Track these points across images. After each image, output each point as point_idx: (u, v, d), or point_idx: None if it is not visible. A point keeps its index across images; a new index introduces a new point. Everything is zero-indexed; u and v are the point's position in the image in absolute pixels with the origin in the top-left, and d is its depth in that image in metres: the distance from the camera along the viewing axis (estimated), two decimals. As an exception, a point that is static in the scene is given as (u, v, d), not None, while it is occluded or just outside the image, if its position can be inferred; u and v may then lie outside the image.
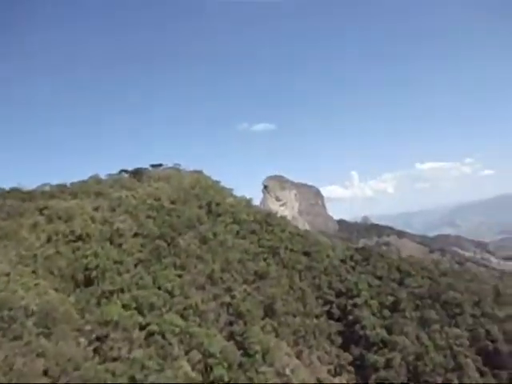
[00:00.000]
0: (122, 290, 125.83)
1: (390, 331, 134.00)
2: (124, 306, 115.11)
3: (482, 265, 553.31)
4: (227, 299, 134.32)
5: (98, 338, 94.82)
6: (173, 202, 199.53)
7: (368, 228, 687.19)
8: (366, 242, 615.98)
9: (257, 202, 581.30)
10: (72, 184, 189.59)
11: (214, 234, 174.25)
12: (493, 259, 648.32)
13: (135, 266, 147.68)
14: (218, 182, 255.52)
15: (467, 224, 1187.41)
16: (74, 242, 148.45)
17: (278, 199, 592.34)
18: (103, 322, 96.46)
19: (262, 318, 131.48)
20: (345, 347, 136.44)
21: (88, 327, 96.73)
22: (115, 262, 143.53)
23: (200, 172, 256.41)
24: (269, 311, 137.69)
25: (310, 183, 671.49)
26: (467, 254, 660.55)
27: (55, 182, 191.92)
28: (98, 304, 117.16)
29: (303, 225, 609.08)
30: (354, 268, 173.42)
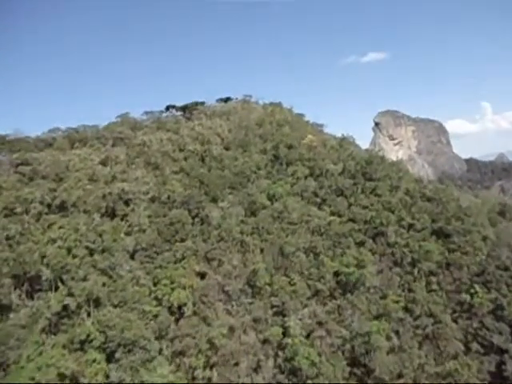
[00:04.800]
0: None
1: None
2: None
3: None
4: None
5: None
6: (226, 147, 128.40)
7: (506, 167, 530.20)
8: (502, 185, 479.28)
9: (366, 144, 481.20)
10: (87, 128, 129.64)
11: (271, 197, 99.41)
12: None
13: (132, 256, 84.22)
14: (301, 116, 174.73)
15: None
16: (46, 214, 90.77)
17: (391, 138, 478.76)
18: None
19: None
20: None
21: None
22: (92, 253, 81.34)
23: (277, 105, 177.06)
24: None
25: (431, 118, 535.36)
26: None
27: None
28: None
29: (422, 167, 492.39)
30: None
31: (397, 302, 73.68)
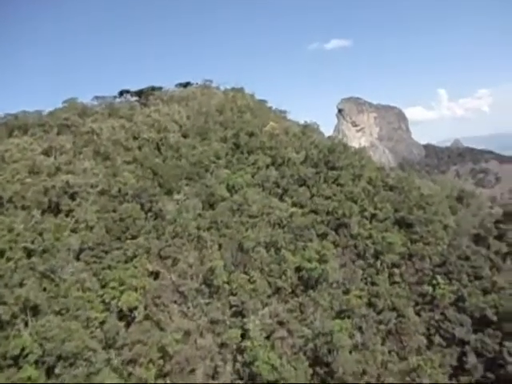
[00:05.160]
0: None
1: None
2: None
3: None
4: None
5: None
6: (185, 135, 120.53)
7: (461, 153, 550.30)
8: (457, 170, 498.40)
9: (330, 130, 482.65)
10: (28, 114, 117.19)
11: (231, 189, 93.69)
12: None
13: (77, 257, 76.21)
14: (263, 102, 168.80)
15: None
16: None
17: (354, 124, 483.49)
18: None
19: None
20: None
21: None
22: (30, 254, 72.63)
23: (239, 90, 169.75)
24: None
25: (391, 105, 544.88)
26: None
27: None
28: None
29: (383, 153, 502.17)
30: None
31: (360, 297, 70.65)
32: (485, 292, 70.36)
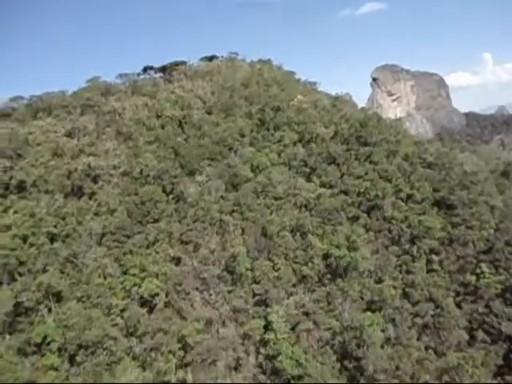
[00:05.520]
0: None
1: None
2: None
3: None
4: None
5: None
6: (209, 111, 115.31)
7: (506, 120, 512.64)
8: (502, 139, 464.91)
9: (364, 101, 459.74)
10: (52, 95, 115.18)
11: (255, 168, 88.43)
12: None
13: (99, 242, 74.46)
14: (291, 74, 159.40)
15: None
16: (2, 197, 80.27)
17: (389, 94, 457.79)
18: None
19: None
20: None
21: None
22: (53, 239, 71.47)
23: (266, 62, 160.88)
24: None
25: (430, 71, 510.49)
26: None
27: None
28: None
29: (421, 123, 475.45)
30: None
31: (394, 287, 64.69)
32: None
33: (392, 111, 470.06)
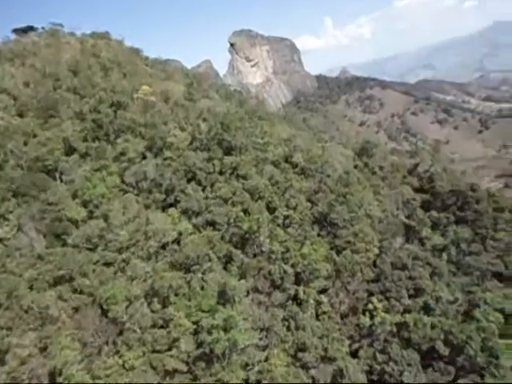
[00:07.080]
0: None
1: None
2: None
3: (467, 109, 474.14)
4: None
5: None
6: (21, 113, 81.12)
7: (349, 82, 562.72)
8: (347, 99, 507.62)
9: (224, 68, 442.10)
10: None
11: (88, 203, 62.58)
12: (473, 101, 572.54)
13: None
14: (136, 52, 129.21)
15: (443, 65, 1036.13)
16: None
17: (248, 59, 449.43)
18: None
19: None
20: None
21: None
22: None
23: (103, 36, 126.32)
24: None
25: (282, 36, 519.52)
26: (448, 98, 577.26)
27: None
28: None
29: (279, 87, 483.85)
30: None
31: (285, 351, 50.08)
32: (427, 311, 55.19)
33: (251, 76, 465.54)
